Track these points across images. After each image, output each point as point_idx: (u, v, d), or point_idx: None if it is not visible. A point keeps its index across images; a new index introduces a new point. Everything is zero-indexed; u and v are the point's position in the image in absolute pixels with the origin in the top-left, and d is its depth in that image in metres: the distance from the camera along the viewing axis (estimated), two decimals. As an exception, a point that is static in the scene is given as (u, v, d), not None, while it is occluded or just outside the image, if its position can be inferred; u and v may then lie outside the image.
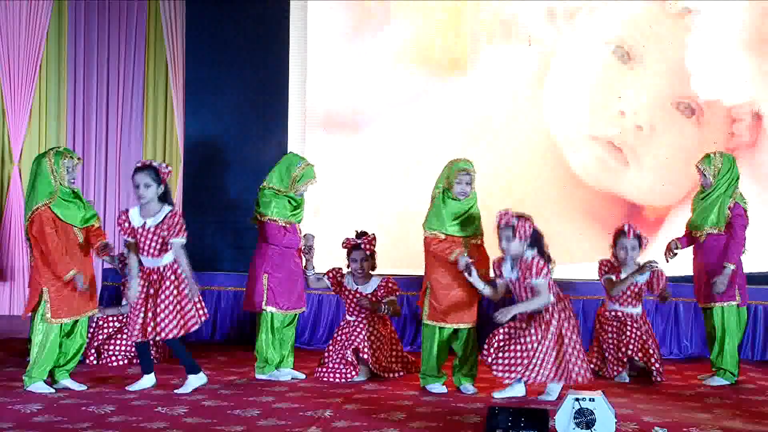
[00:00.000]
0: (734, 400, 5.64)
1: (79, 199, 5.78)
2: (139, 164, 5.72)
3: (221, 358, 7.05)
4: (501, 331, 5.64)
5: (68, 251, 5.67)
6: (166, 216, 5.64)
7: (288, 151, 6.20)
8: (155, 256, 5.66)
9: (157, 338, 5.71)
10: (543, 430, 4.50)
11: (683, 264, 6.54)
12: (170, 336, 5.65)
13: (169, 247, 5.63)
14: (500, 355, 5.59)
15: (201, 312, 5.72)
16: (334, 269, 6.51)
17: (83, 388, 5.75)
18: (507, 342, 5.60)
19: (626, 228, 6.37)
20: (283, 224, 6.12)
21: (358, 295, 6.38)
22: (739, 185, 6.22)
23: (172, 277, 5.66)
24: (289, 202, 6.13)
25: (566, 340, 5.50)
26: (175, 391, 5.66)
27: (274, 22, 8.49)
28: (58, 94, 9.42)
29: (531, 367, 5.51)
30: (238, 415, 5.04)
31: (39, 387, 5.63)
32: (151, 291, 5.67)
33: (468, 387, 5.81)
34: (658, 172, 8.13)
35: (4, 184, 9.33)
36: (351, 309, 6.45)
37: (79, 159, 5.85)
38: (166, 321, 5.62)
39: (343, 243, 6.45)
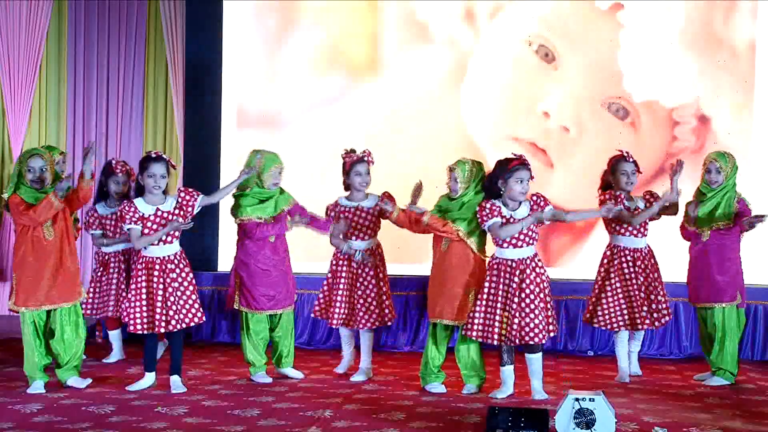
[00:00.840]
0: (734, 400, 5.64)
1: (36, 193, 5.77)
2: (154, 154, 5.73)
3: (221, 358, 7.06)
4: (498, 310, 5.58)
5: (34, 246, 5.71)
6: (177, 198, 5.73)
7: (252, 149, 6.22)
8: (168, 243, 5.69)
9: (183, 326, 5.70)
10: (543, 430, 4.50)
11: (680, 266, 6.52)
12: (195, 321, 5.73)
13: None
14: (516, 325, 5.52)
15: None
16: (328, 210, 6.31)
17: (88, 381, 5.82)
18: (510, 312, 5.56)
19: (625, 153, 6.20)
20: (247, 221, 6.07)
21: (357, 212, 6.20)
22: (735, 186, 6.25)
23: (184, 263, 5.78)
24: (254, 197, 6.06)
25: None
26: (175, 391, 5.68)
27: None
28: (58, 94, 9.42)
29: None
30: (238, 415, 5.04)
31: (35, 387, 5.64)
32: (168, 279, 5.67)
33: (467, 387, 5.81)
34: (587, 175, 7.55)
35: (4, 184, 9.33)
36: (354, 228, 6.22)
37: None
38: (188, 307, 5.71)
39: (345, 157, 6.22)
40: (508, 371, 5.67)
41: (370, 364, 6.34)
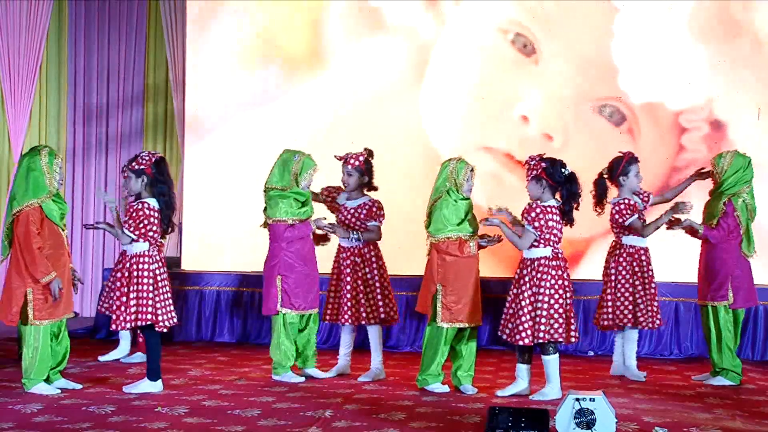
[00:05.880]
0: (734, 400, 5.64)
1: (60, 198, 5.77)
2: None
3: (221, 358, 7.06)
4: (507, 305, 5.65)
5: (55, 252, 5.63)
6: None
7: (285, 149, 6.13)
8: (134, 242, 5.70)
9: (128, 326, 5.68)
10: (543, 430, 4.50)
11: (680, 266, 6.46)
12: (138, 323, 5.65)
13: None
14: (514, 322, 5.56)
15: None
16: (328, 187, 6.38)
17: (78, 387, 5.77)
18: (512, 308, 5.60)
19: (634, 154, 6.06)
20: (291, 222, 6.08)
21: (343, 210, 6.25)
22: (746, 186, 6.04)
23: (145, 263, 5.69)
24: (295, 199, 6.08)
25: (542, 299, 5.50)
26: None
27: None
28: (58, 94, 9.42)
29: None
30: (238, 415, 5.05)
31: (41, 388, 5.63)
32: (152, 280, 5.69)
33: (468, 387, 5.80)
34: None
35: (5, 184, 9.33)
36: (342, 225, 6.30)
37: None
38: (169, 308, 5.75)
39: (336, 157, 6.28)
40: (523, 368, 5.69)
41: (381, 364, 6.28)
